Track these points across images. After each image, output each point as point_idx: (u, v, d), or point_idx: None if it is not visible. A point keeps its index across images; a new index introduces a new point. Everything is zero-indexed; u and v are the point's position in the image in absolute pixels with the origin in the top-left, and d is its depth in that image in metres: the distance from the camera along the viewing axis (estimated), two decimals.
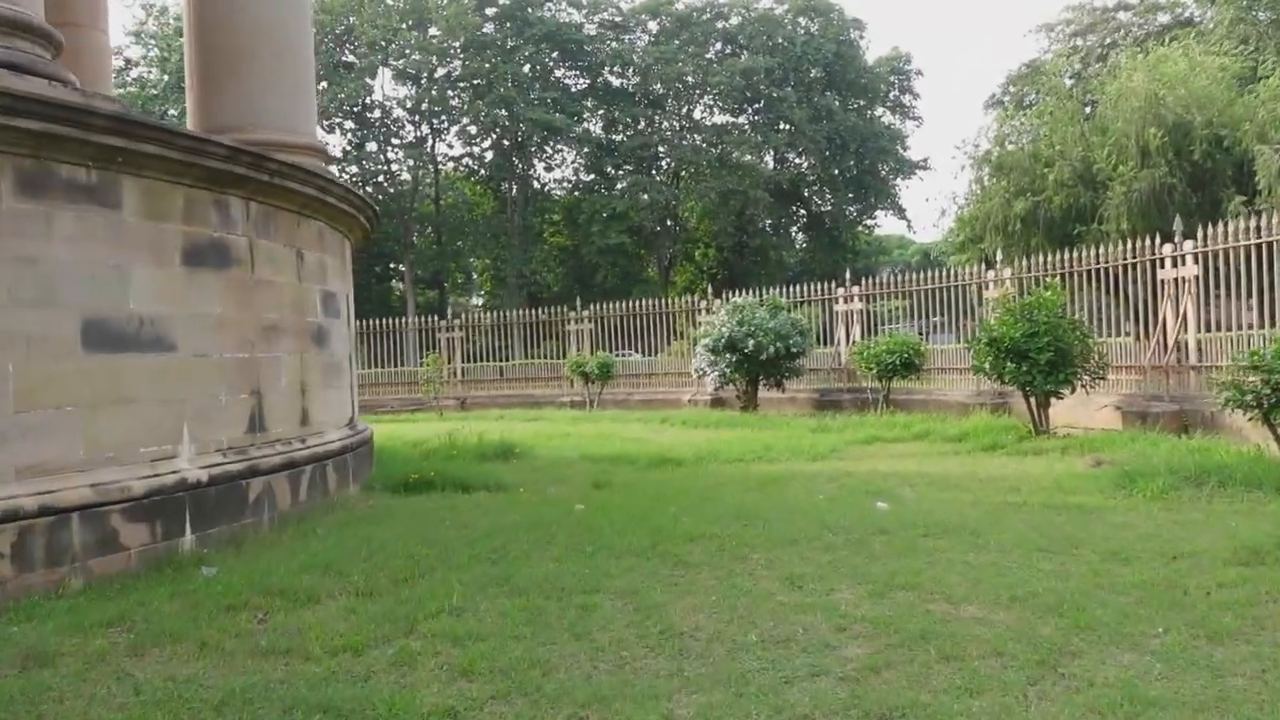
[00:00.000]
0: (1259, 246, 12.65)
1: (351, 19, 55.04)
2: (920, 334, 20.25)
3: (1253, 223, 12.81)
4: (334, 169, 54.93)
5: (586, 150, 59.33)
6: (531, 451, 13.91)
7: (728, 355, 18.76)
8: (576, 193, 59.89)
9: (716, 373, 19.17)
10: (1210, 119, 22.52)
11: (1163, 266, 14.24)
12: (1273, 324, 12.10)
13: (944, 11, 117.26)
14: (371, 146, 58.38)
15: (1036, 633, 4.98)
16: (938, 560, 6.67)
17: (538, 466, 12.56)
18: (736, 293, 21.58)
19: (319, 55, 54.65)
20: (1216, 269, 13.49)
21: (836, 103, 58.73)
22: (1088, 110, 28.09)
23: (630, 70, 59.14)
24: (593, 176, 60.25)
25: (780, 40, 58.79)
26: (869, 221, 64.18)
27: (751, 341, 18.33)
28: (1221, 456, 10.23)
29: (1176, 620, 5.10)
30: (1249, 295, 13.04)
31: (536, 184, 60.93)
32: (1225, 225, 13.33)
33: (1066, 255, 16.06)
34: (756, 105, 59.56)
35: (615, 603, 5.73)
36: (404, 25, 56.02)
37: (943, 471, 11.25)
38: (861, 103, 60.87)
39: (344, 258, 11.31)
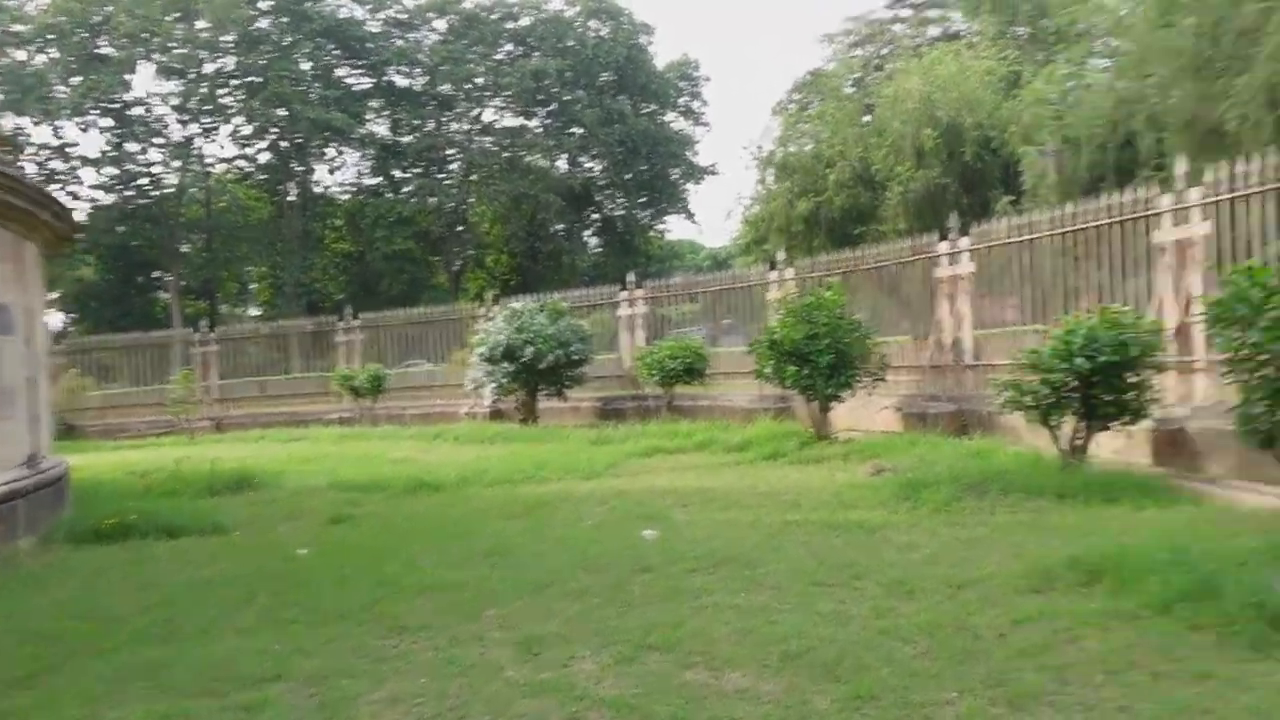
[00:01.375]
0: (1028, 242, 12.54)
1: (109, 8, 50.53)
2: (710, 337, 19.65)
3: (1020, 220, 12.69)
4: (68, 165, 49.68)
5: (371, 152, 56.67)
6: (275, 480, 12.28)
7: (505, 364, 17.53)
8: (360, 196, 57.15)
9: (493, 383, 17.91)
10: (980, 121, 23.08)
11: (939, 265, 14.03)
12: (1044, 320, 11.96)
13: (732, 22, 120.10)
14: (132, 146, 53.80)
15: (810, 707, 4.06)
16: (704, 605, 5.72)
17: (275, 499, 10.99)
18: (531, 298, 20.39)
19: (70, 45, 49.88)
20: (988, 266, 13.35)
21: (628, 106, 58.38)
22: (867, 118, 28.51)
23: (417, 70, 56.89)
24: (378, 180, 57.61)
25: (571, 43, 57.95)
26: (660, 226, 64.24)
27: (530, 349, 17.17)
28: (1002, 460, 9.84)
29: (971, 677, 4.30)
30: (1017, 292, 12.94)
31: (317, 188, 57.71)
32: (995, 223, 13.19)
33: (847, 254, 15.75)
34: (548, 108, 58.48)
35: (294, 697, 4.47)
36: (167, 17, 51.91)
37: (722, 486, 10.44)
38: (652, 107, 60.79)
39: (21, 262, 9.46)
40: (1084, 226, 11.64)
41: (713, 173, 63.04)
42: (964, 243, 13.64)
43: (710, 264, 62.28)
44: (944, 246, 13.98)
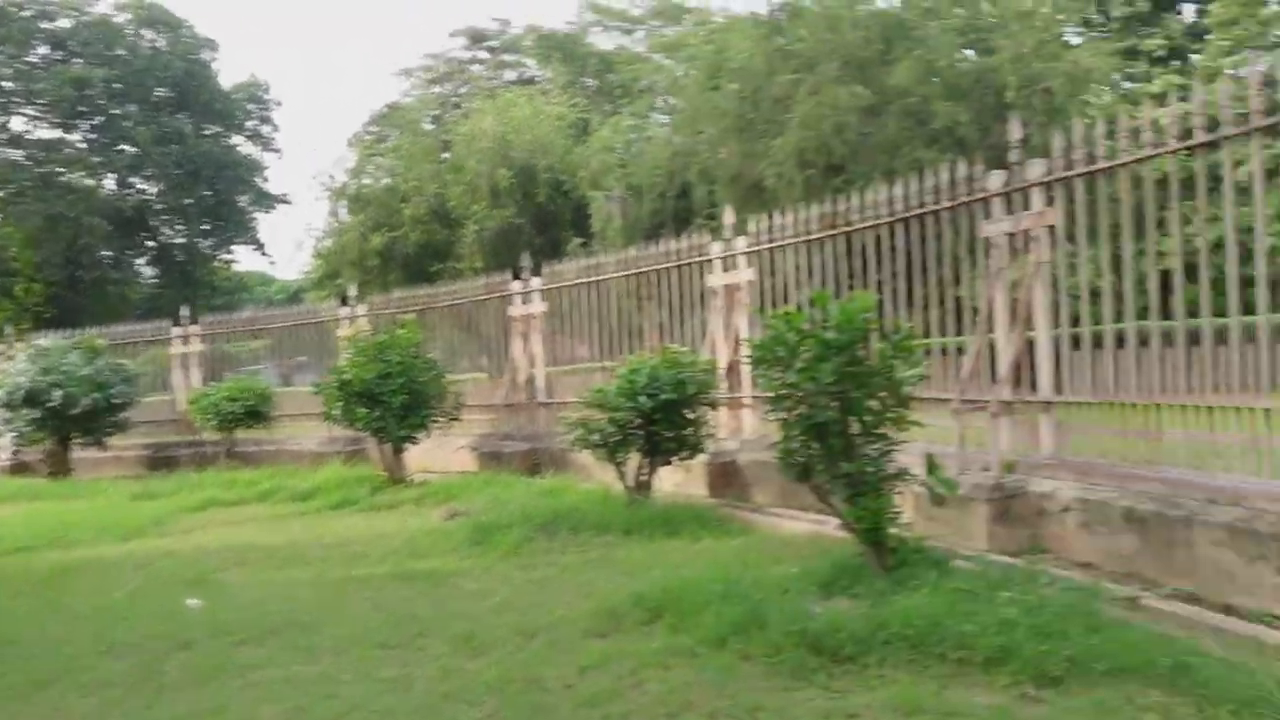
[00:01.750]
0: (596, 283, 12.98)
1: None
2: (282, 377, 18.40)
3: (590, 261, 13.14)
4: None
5: None
6: None
7: (26, 411, 15.20)
8: None
9: (13, 433, 15.47)
10: (552, 164, 23.84)
11: (512, 303, 14.14)
12: (612, 359, 12.39)
13: (309, 48, 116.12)
14: None
15: None
16: (252, 682, 5.09)
17: None
18: (65, 334, 17.83)
19: None
20: (560, 305, 13.65)
21: (189, 126, 54.12)
22: (446, 155, 28.49)
23: None
24: None
25: (121, 52, 52.77)
26: (227, 256, 60.09)
27: (59, 393, 15.01)
28: (573, 498, 9.96)
29: None
30: (587, 331, 13.36)
31: None
32: (566, 263, 13.54)
33: (423, 291, 15.44)
34: (93, 121, 52.74)
35: None
36: None
37: (284, 540, 9.64)
38: (217, 129, 56.88)
39: None
40: (646, 270, 12.23)
41: (285, 201, 59.89)
42: (536, 282, 13.84)
43: (283, 298, 59.16)
44: (517, 285, 14.11)
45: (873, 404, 6.11)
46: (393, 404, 11.97)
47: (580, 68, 45.35)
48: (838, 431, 6.12)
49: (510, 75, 47.71)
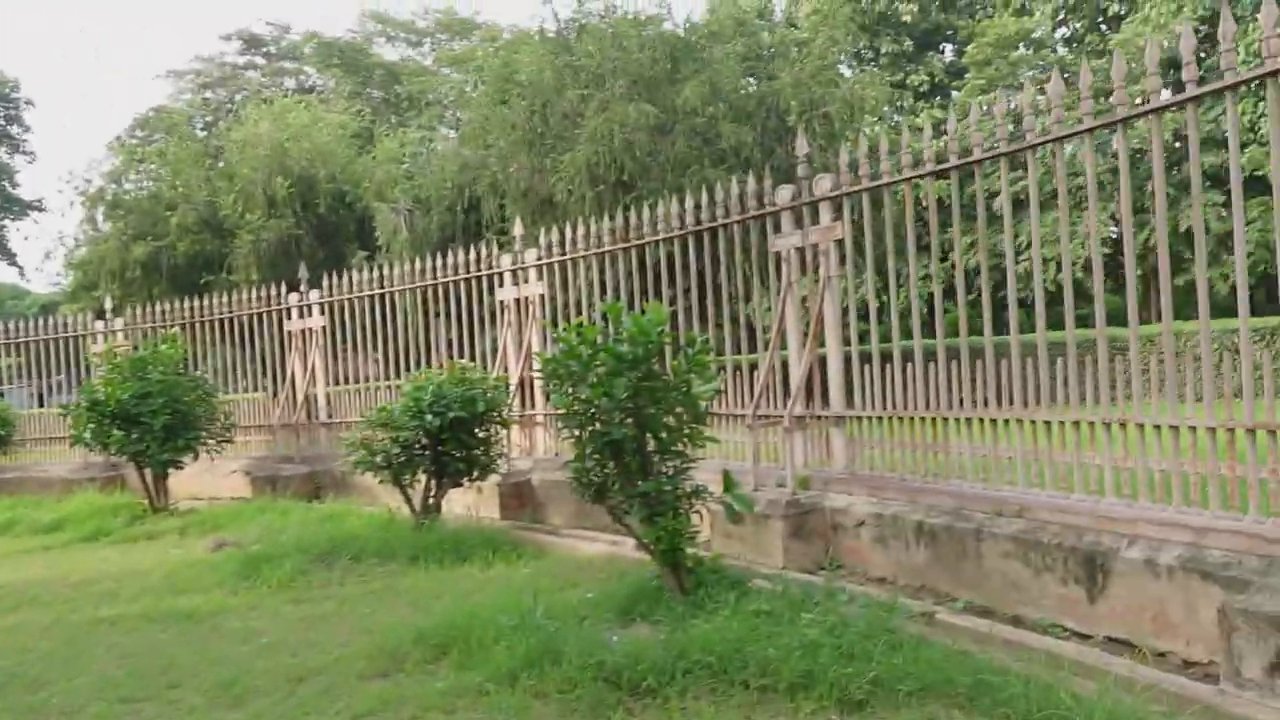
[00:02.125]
0: (381, 297, 12.38)
1: None
2: (36, 397, 16.68)
3: (374, 274, 12.53)
4: None
5: None
6: None
7: None
8: None
9: None
10: (334, 174, 22.81)
11: (290, 317, 13.31)
12: (397, 374, 11.83)
13: (65, 47, 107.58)
14: None
15: None
16: None
17: None
18: None
19: None
20: (343, 320, 12.94)
21: None
22: (219, 161, 26.83)
23: None
24: None
25: None
26: None
27: None
28: (354, 524, 9.36)
29: None
30: (373, 347, 12.72)
31: None
32: (349, 276, 12.85)
33: (191, 304, 14.31)
34: None
35: None
36: None
37: (21, 578, 8.57)
38: None
39: None
40: (435, 283, 11.74)
41: (40, 208, 55.19)
42: (315, 295, 13.08)
43: (38, 312, 54.33)
44: (294, 299, 13.29)
45: (669, 420, 5.94)
46: (153, 425, 10.98)
47: (365, 78, 44.00)
48: (633, 449, 5.90)
49: (289, 83, 45.72)
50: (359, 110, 30.20)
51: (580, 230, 9.97)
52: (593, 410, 5.93)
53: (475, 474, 9.13)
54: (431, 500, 9.17)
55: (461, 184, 21.73)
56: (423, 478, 9.12)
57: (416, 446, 8.83)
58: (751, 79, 21.43)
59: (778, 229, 7.81)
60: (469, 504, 9.90)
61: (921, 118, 32.68)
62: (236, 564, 8.10)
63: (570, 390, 6.02)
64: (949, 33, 45.22)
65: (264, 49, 47.49)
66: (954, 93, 40.40)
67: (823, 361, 7.44)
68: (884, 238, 7.03)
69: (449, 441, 8.82)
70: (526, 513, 9.82)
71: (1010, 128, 6.19)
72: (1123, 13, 36.85)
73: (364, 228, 22.67)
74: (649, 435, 5.93)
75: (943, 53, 45.11)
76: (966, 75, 40.05)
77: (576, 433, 6.12)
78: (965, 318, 6.80)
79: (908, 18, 43.31)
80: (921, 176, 6.72)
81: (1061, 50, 39.47)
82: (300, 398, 13.10)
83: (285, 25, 50.54)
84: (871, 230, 7.05)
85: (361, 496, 11.07)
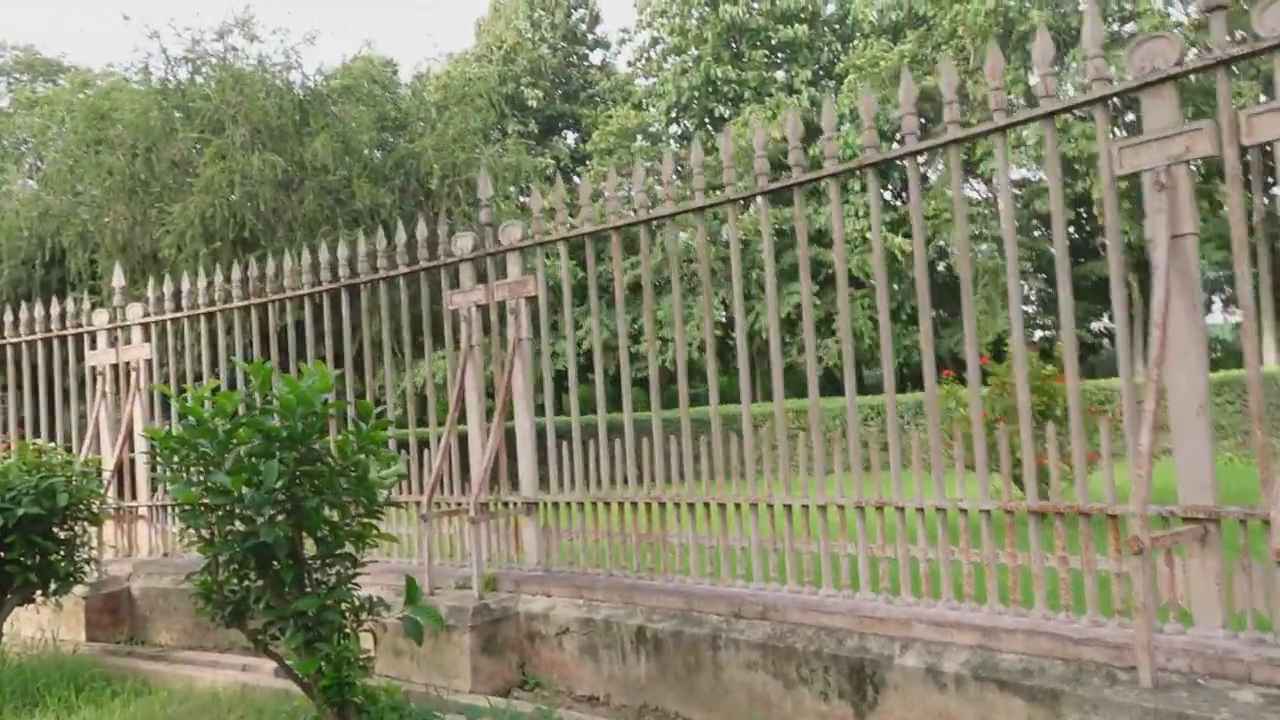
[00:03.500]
0: None
1: None
2: None
3: None
4: None
5: None
6: None
7: None
8: None
9: None
10: None
11: None
12: None
13: None
14: None
15: None
16: None
17: None
18: None
19: None
20: None
21: None
22: None
23: None
24: None
25: None
26: None
27: None
28: None
29: None
30: None
31: None
32: None
33: None
34: None
35: None
36: None
37: None
38: None
39: None
40: (5, 342, 9.44)
41: None
42: None
43: None
44: None
45: (332, 515, 4.64)
46: None
47: None
48: (286, 555, 4.53)
49: None
50: None
51: (203, 282, 8.31)
52: (231, 504, 4.50)
53: (53, 586, 7.08)
54: None
55: (43, 234, 18.51)
56: None
57: None
58: (389, 137, 20.23)
59: (455, 283, 6.77)
60: (43, 625, 7.76)
61: (548, 198, 32.99)
62: None
63: (200, 478, 4.56)
64: (571, 121, 46.74)
65: None
66: (576, 178, 41.67)
67: (511, 437, 6.39)
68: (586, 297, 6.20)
69: (16, 546, 6.76)
70: (124, 631, 7.86)
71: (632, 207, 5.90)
72: (727, 115, 39.87)
73: None
74: (306, 535, 4.60)
75: (565, 139, 46.52)
76: (590, 161, 41.37)
77: (206, 533, 4.64)
78: (686, 388, 6.06)
79: (533, 102, 44.23)
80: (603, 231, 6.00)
81: (675, 145, 41.89)
82: None
83: None
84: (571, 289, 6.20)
85: None
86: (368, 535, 4.76)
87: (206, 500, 4.59)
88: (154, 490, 8.48)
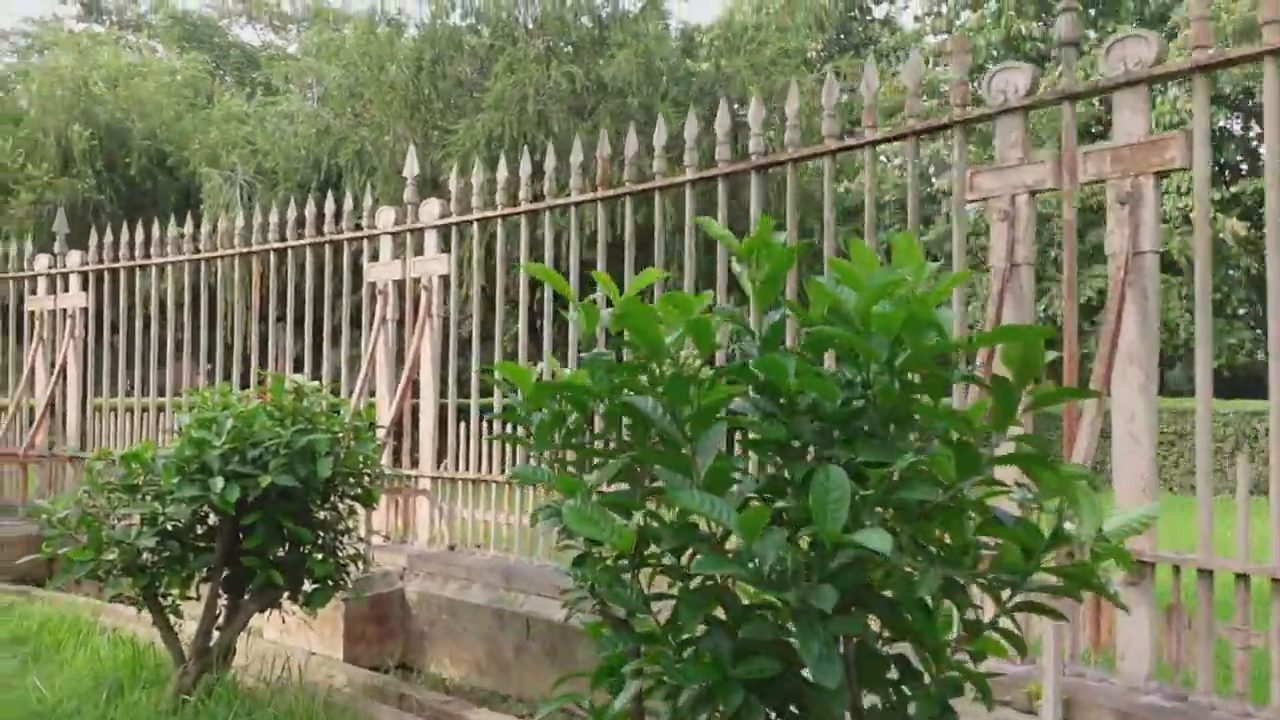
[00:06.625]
0: (185, 267, 7.94)
1: None
2: None
3: (175, 233, 8.05)
4: None
5: None
6: None
7: None
8: None
9: None
10: (154, 129, 17.94)
11: (36, 291, 8.71)
12: (211, 384, 7.37)
13: None
14: None
15: None
16: None
17: None
18: None
19: None
20: (118, 300, 8.37)
21: None
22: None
23: None
24: None
25: None
26: None
27: None
28: (72, 669, 4.96)
29: None
30: (172, 343, 8.25)
31: None
32: (136, 234, 8.29)
33: None
34: None
35: None
36: None
37: None
38: None
39: None
40: (266, 248, 7.44)
41: None
42: (75, 259, 8.55)
43: None
44: (43, 262, 8.73)
45: None
46: None
47: (219, 57, 38.68)
48: None
49: (133, 59, 39.81)
50: (200, 59, 25.16)
51: (526, 169, 5.88)
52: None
53: (307, 589, 4.78)
54: (218, 633, 4.78)
55: (319, 155, 17.19)
56: (204, 592, 4.74)
57: (193, 537, 4.53)
58: (689, 62, 17.73)
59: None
60: (283, 626, 5.56)
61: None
62: None
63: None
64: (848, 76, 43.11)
65: (105, 16, 41.40)
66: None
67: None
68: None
69: (258, 531, 4.47)
70: (394, 650, 5.57)
71: None
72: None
73: (189, 199, 17.81)
74: None
75: (843, 98, 43.01)
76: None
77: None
78: None
79: (812, 54, 40.97)
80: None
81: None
82: (40, 413, 8.46)
83: None
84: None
85: (103, 594, 6.55)
86: None
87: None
88: (441, 459, 6.14)
